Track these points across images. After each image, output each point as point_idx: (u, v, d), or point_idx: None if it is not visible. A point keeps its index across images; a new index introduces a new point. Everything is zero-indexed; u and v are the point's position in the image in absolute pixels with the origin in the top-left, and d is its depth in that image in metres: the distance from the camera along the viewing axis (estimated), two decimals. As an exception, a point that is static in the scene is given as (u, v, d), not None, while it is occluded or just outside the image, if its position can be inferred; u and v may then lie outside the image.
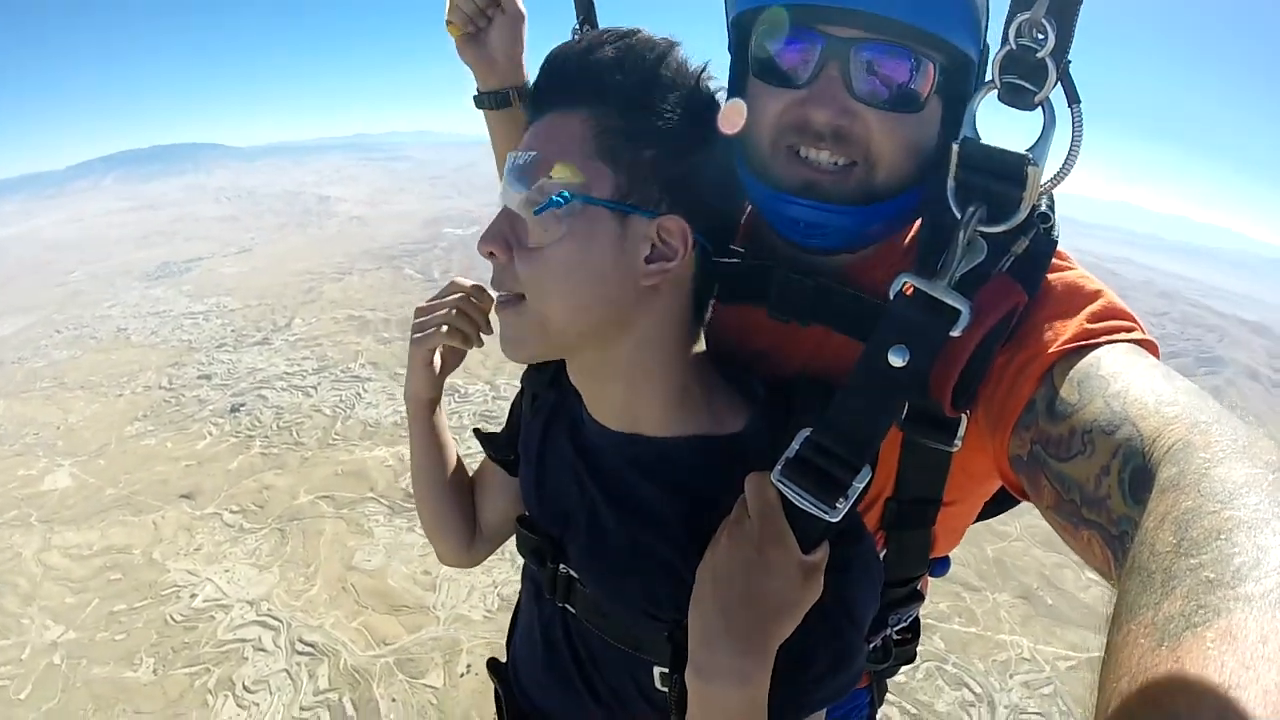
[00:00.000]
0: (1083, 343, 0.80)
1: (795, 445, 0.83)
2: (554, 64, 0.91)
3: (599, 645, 1.04)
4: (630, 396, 0.95)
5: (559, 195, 0.83)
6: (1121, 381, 0.73)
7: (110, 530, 26.19)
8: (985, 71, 0.87)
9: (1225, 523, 0.50)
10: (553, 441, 1.11)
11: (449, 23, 1.35)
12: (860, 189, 0.90)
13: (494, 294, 0.92)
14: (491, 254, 0.88)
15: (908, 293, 0.80)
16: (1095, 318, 0.82)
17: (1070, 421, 0.74)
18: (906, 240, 1.01)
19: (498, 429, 1.30)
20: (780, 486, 0.81)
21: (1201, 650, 0.41)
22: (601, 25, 1.32)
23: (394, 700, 20.09)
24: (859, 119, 0.86)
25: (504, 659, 1.32)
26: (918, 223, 0.99)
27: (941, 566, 1.26)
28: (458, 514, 1.31)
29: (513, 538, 1.22)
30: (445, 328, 1.15)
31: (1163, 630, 0.44)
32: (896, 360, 0.77)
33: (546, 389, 1.15)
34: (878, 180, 0.89)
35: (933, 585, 1.44)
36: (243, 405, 18.63)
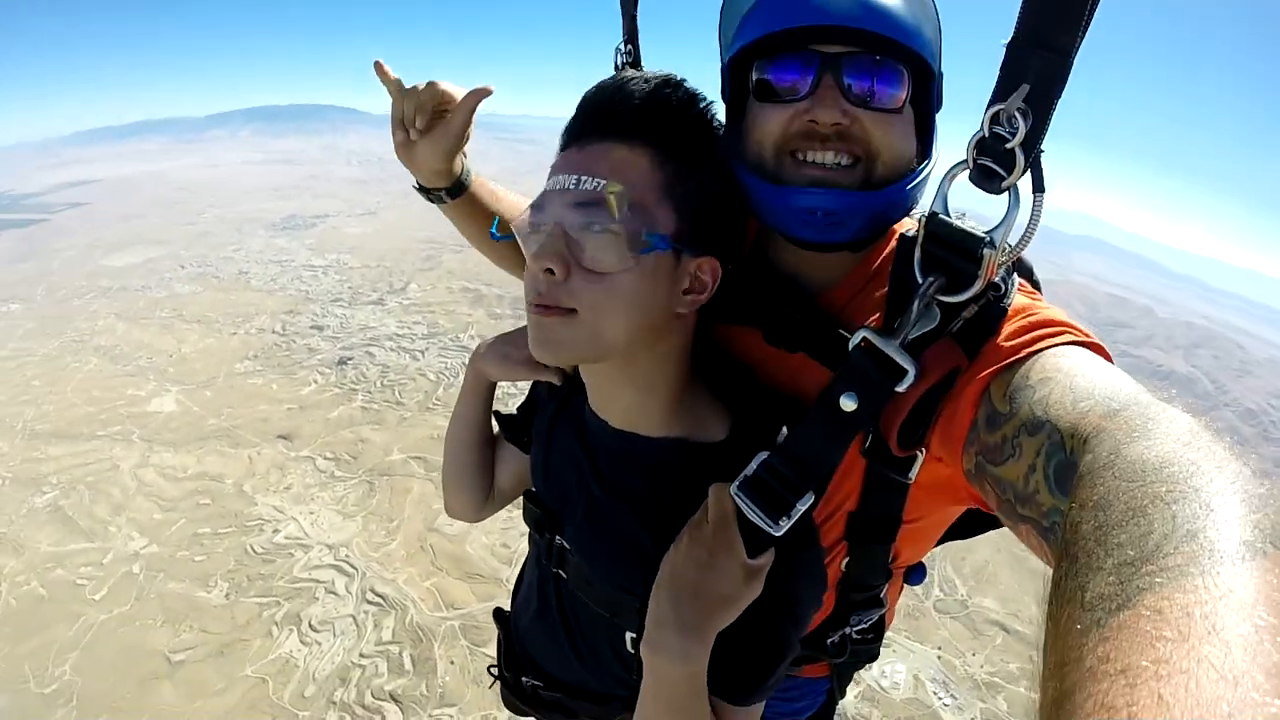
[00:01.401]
0: (1011, 359, 0.86)
1: (753, 465, 0.93)
2: (620, 94, 0.96)
3: (583, 609, 1.17)
4: (635, 401, 1.05)
5: (651, 237, 0.90)
6: (1046, 386, 0.79)
7: (206, 458, 26.78)
8: (943, 93, 1.03)
9: (1138, 500, 0.53)
10: (561, 428, 1.21)
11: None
12: (865, 181, 0.98)
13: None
14: (550, 271, 0.91)
15: (864, 347, 0.88)
16: (1023, 331, 0.89)
17: (1002, 430, 0.82)
18: (876, 263, 1.09)
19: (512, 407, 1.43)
20: (736, 499, 0.92)
21: (1131, 632, 0.42)
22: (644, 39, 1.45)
23: (452, 663, 20.03)
24: (857, 120, 0.95)
25: (509, 610, 1.49)
26: (889, 246, 1.08)
27: (917, 575, 1.37)
28: (482, 475, 1.43)
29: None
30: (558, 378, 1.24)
31: (1091, 615, 0.46)
32: (848, 404, 0.86)
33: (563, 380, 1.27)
34: (878, 173, 0.98)
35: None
36: (350, 359, 18.60)
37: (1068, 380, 0.78)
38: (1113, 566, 0.47)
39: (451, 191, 1.37)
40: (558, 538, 1.18)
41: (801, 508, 0.90)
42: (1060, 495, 0.70)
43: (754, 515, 0.90)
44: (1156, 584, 0.44)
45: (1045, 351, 0.85)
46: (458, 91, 1.20)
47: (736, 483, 0.92)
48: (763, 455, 0.93)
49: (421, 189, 1.39)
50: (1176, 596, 0.42)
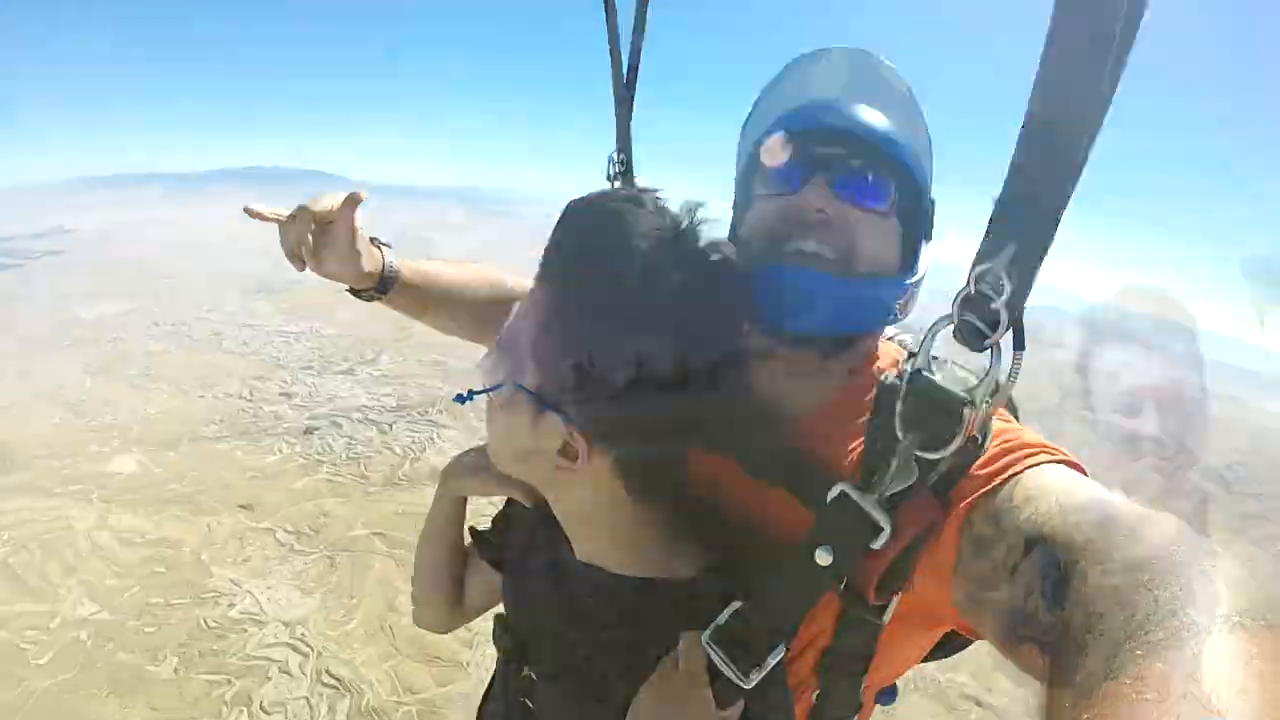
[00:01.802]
0: (991, 485, 0.85)
1: (725, 615, 0.90)
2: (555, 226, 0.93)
3: None
4: (585, 533, 1.03)
5: (493, 385, 0.93)
6: (1032, 505, 0.79)
7: (165, 523, 25.51)
8: (933, 222, 1.12)
9: (1124, 590, 0.55)
10: (536, 551, 1.16)
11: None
12: (841, 274, 1.04)
13: None
14: None
15: (841, 499, 0.87)
16: (999, 456, 0.88)
17: (992, 555, 0.80)
18: (859, 400, 1.07)
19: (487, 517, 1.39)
20: (709, 650, 0.89)
21: (1115, 698, 0.44)
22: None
23: (407, 751, 19.00)
24: (840, 213, 1.02)
25: None
26: (872, 389, 1.04)
27: (888, 695, 1.30)
28: (452, 586, 1.40)
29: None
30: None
31: (1079, 689, 0.48)
32: (823, 558, 0.84)
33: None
34: (855, 270, 1.03)
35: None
36: (317, 429, 18.29)
37: (1054, 497, 0.78)
38: (1100, 646, 0.50)
39: (380, 288, 1.37)
40: (525, 668, 1.13)
41: (772, 661, 0.88)
42: (1058, 609, 0.69)
43: (724, 667, 0.88)
44: (1138, 657, 0.46)
45: (1026, 472, 0.84)
46: (334, 201, 1.23)
47: (708, 632, 0.89)
48: (735, 605, 0.90)
49: (352, 291, 1.40)
50: (1157, 666, 0.45)
